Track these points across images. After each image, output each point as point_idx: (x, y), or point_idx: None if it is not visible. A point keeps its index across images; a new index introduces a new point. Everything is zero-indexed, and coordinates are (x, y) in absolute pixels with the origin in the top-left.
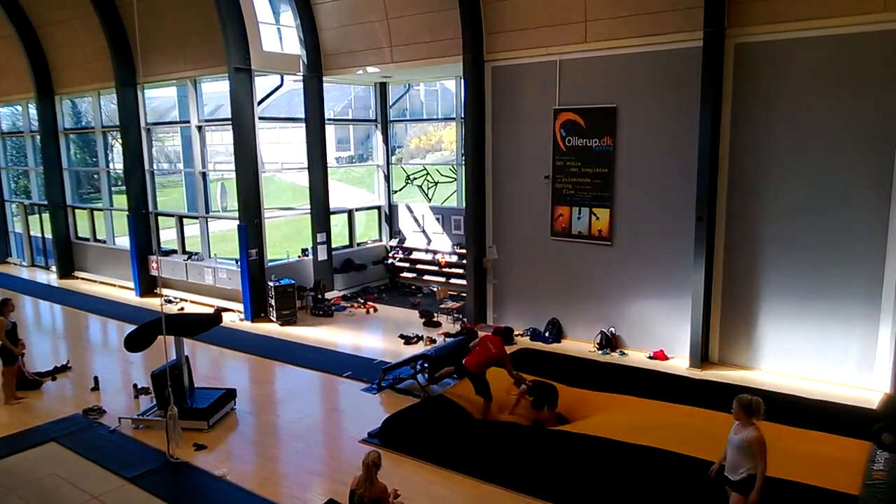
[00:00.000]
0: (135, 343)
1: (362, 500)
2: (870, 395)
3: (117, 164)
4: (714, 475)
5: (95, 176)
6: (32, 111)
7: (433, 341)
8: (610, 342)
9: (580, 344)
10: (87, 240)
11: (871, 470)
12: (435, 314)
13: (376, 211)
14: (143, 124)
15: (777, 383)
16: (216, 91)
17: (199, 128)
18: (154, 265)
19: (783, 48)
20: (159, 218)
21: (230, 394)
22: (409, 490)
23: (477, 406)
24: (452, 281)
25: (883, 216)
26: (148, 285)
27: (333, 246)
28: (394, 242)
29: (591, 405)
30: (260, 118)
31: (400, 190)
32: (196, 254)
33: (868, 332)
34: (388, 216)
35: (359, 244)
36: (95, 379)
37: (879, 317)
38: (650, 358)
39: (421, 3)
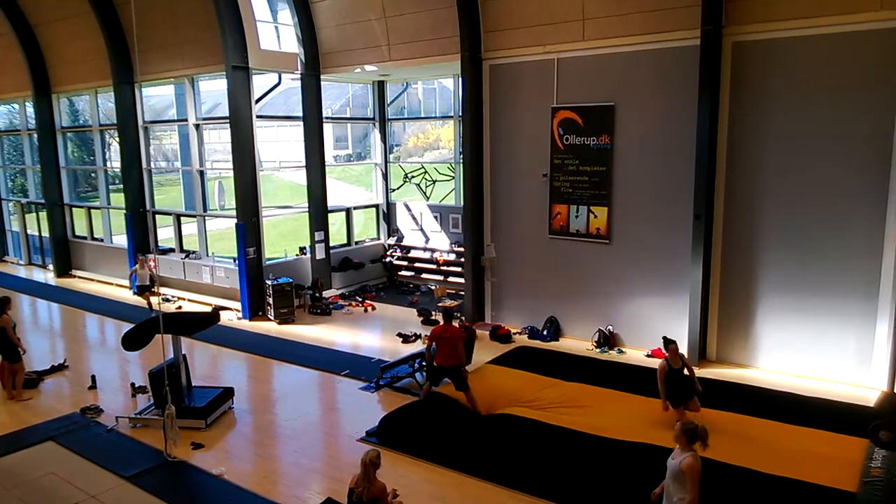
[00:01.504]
0: (132, 342)
1: (361, 499)
2: (867, 393)
3: (115, 163)
4: (655, 500)
5: (93, 174)
6: (29, 109)
7: None
8: (608, 340)
9: (578, 342)
10: (85, 238)
11: (868, 467)
12: (433, 313)
13: (374, 209)
14: (140, 123)
15: (775, 381)
16: (214, 89)
17: (197, 126)
18: (151, 263)
19: (780, 46)
20: (157, 216)
21: (228, 392)
22: (407, 488)
23: (475, 402)
24: (450, 279)
25: (880, 213)
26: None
27: (331, 244)
28: (392, 241)
29: (589, 403)
30: (258, 116)
31: (398, 188)
32: (194, 252)
33: (865, 329)
34: (386, 214)
35: (357, 243)
36: (93, 378)
37: (877, 314)
38: (648, 356)
39: (419, 1)
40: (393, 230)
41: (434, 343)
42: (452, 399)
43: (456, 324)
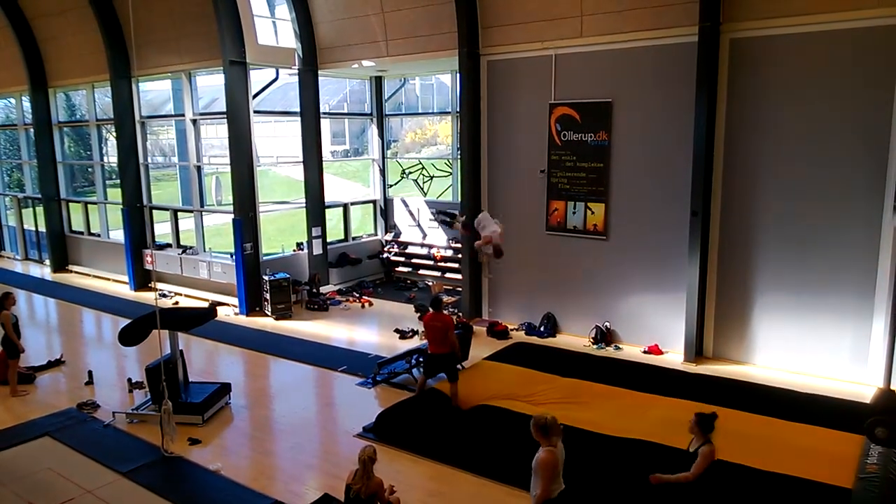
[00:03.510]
0: (129, 337)
1: (358, 495)
2: (863, 389)
3: (111, 158)
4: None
5: (90, 169)
6: (26, 104)
7: None
8: (605, 336)
9: (575, 338)
10: (81, 233)
11: (864, 464)
12: (429, 309)
13: (372, 205)
14: (137, 118)
15: (771, 377)
16: (211, 84)
17: (194, 121)
18: (148, 259)
19: (778, 43)
20: (154, 212)
21: (225, 388)
22: (403, 484)
23: (468, 399)
24: (448, 275)
25: (876, 210)
26: (142, 279)
27: (328, 240)
28: (389, 237)
29: (586, 399)
30: (255, 112)
31: (395, 184)
32: (191, 248)
33: (861, 326)
34: (384, 210)
35: (354, 238)
36: (89, 373)
37: (873, 311)
38: (645, 352)
39: None
40: (390, 226)
41: (427, 335)
42: (447, 394)
43: (445, 312)
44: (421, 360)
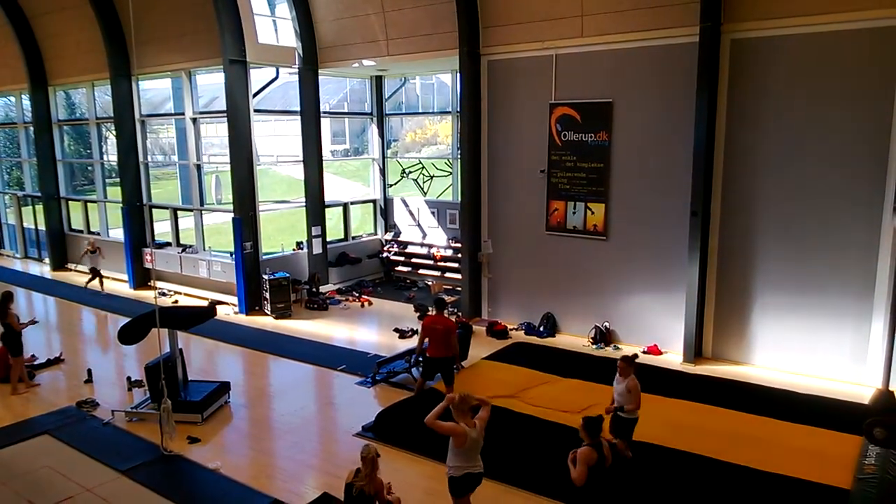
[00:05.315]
0: (129, 335)
1: (362, 492)
2: (862, 391)
3: (111, 156)
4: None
5: (89, 168)
6: (26, 102)
7: None
8: (604, 337)
9: (574, 338)
10: (81, 232)
11: (862, 464)
12: (430, 308)
13: (371, 204)
14: (137, 116)
15: (770, 378)
16: (211, 83)
17: (194, 120)
18: (148, 258)
19: (779, 44)
20: (153, 210)
21: (224, 387)
22: (403, 483)
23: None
24: (447, 275)
25: (876, 211)
26: (142, 278)
27: (328, 239)
28: (389, 236)
29: (585, 400)
30: (255, 111)
31: (395, 184)
32: (190, 246)
33: (860, 327)
34: (384, 210)
35: (354, 238)
36: (89, 371)
37: (872, 312)
38: (644, 353)
39: None
40: (390, 225)
41: (427, 336)
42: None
43: (445, 313)
44: (420, 359)
